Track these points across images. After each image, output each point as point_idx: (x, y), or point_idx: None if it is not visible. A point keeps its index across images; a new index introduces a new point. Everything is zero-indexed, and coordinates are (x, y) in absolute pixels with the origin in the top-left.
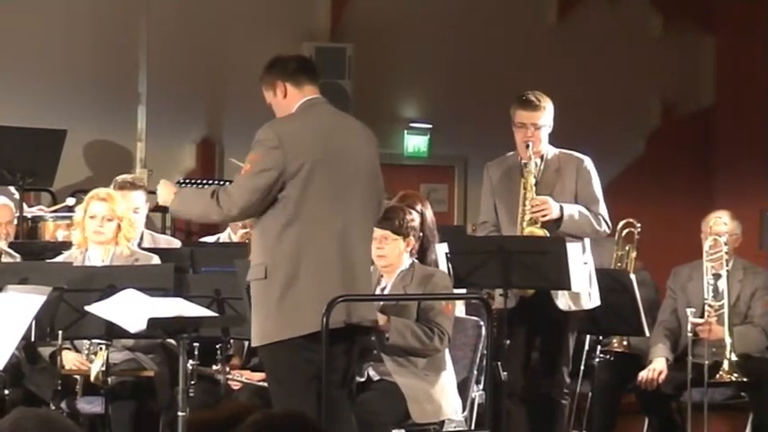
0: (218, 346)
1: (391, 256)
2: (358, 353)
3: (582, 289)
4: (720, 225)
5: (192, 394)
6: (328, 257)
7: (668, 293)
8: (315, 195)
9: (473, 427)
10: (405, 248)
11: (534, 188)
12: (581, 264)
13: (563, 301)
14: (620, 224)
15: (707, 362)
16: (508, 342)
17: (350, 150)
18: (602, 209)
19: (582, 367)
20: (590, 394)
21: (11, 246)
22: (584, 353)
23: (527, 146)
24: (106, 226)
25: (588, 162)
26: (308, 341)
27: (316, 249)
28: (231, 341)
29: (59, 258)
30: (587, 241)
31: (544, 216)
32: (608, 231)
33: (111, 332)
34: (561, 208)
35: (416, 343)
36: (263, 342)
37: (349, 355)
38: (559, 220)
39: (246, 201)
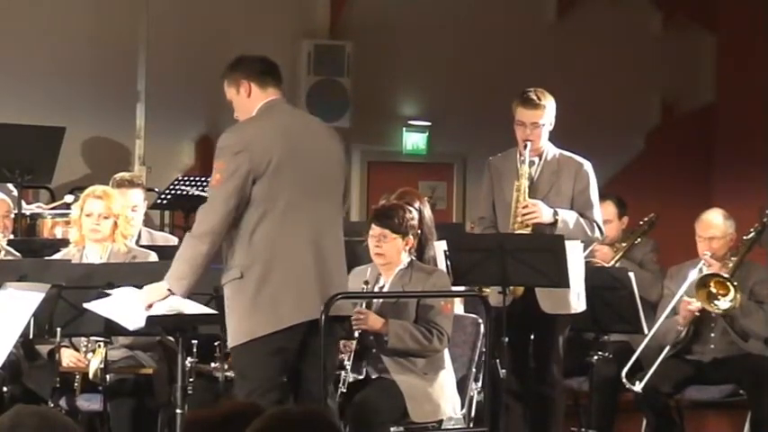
0: (216, 344)
1: (390, 255)
2: (335, 344)
3: (572, 291)
4: (710, 232)
5: (190, 391)
6: (302, 253)
7: (665, 293)
8: (283, 192)
9: (472, 425)
10: (403, 247)
11: (528, 190)
12: (579, 262)
13: (547, 304)
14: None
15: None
16: (507, 340)
17: (314, 148)
18: (597, 215)
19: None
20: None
21: (9, 243)
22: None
23: (525, 145)
24: (102, 223)
25: (588, 166)
26: (282, 336)
27: (288, 245)
28: None
29: (57, 256)
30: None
31: (533, 219)
32: (600, 238)
33: (110, 329)
34: (555, 212)
35: (415, 345)
36: (240, 341)
37: (326, 347)
38: (554, 224)
39: (223, 208)
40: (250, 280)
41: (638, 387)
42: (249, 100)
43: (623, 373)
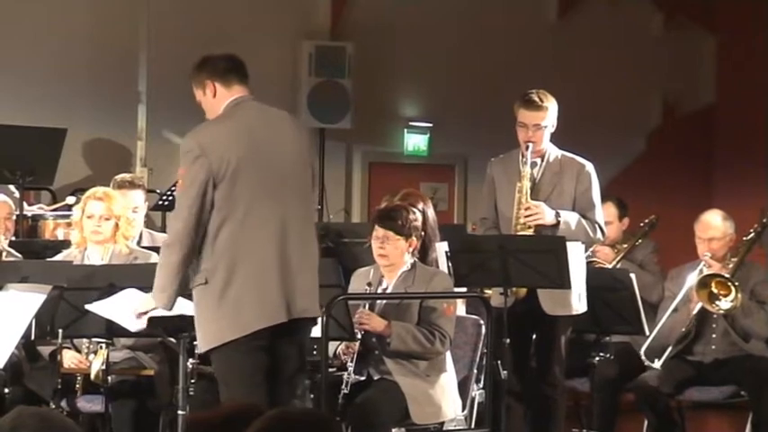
0: None
1: (393, 256)
2: (305, 344)
3: (573, 291)
4: (709, 233)
5: (192, 393)
6: (264, 255)
7: (666, 295)
8: (243, 195)
9: (473, 426)
10: (407, 248)
11: (530, 191)
12: (581, 263)
13: (549, 305)
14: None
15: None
16: (508, 341)
17: (278, 146)
18: (599, 216)
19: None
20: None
21: (11, 245)
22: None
23: (527, 146)
24: (104, 225)
25: (590, 167)
26: (250, 339)
27: (251, 248)
28: None
29: (59, 257)
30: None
31: (536, 221)
32: (602, 239)
33: (111, 331)
34: (557, 214)
35: (418, 347)
36: (208, 347)
37: (296, 347)
38: (556, 225)
39: (186, 215)
40: (214, 285)
41: (657, 364)
42: (215, 100)
43: (642, 351)
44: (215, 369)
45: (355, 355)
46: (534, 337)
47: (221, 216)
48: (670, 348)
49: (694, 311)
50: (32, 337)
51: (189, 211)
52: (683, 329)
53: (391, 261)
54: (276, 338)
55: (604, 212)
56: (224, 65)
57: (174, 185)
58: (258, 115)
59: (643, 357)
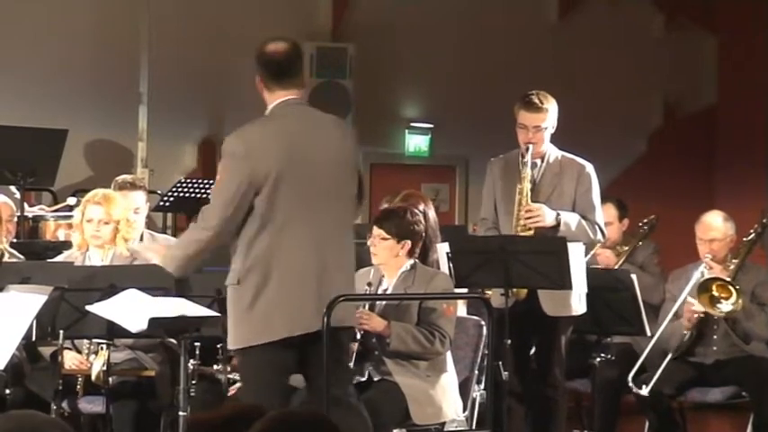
0: (219, 346)
1: (382, 256)
2: (343, 353)
3: (574, 292)
4: (710, 234)
5: (193, 394)
6: (300, 264)
7: (668, 297)
8: (284, 202)
9: (474, 427)
10: (399, 250)
11: (530, 193)
12: (581, 264)
13: (549, 306)
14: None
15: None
16: (509, 342)
17: (320, 153)
18: (599, 217)
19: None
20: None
21: (12, 246)
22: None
23: (527, 148)
24: (103, 229)
25: (590, 168)
26: (278, 345)
27: (287, 256)
28: None
29: (60, 258)
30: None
31: (536, 223)
32: (602, 240)
33: (112, 332)
34: (558, 215)
35: (418, 347)
36: (236, 346)
37: (331, 356)
38: (556, 227)
39: (222, 215)
40: (246, 289)
41: (644, 391)
42: (264, 95)
43: (629, 378)
44: (238, 368)
45: (354, 356)
46: (533, 337)
47: (260, 222)
48: (660, 370)
49: (698, 313)
50: (33, 338)
51: (225, 210)
52: (685, 332)
53: (381, 261)
54: (311, 347)
55: (604, 214)
56: (272, 69)
57: (176, 186)
58: (302, 120)
59: (630, 384)
